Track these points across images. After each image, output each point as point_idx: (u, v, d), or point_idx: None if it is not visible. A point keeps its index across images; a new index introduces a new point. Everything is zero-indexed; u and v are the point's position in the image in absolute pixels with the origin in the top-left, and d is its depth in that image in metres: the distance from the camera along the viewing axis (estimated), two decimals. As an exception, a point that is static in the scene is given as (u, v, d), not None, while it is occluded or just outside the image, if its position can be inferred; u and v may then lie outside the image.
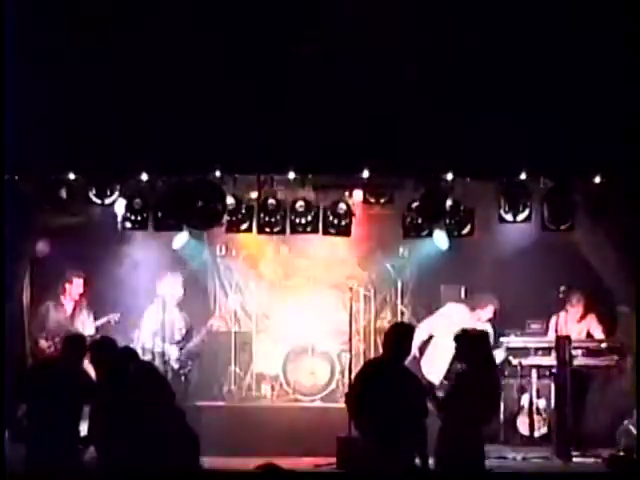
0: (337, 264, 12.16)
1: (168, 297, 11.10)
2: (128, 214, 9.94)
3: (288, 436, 10.06)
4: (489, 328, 10.73)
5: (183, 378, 10.96)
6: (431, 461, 7.22)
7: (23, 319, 10.55)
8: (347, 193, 10.36)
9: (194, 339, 11.24)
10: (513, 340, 10.79)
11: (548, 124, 9.15)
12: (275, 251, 12.25)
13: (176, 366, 10.91)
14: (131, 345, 10.06)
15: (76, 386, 7.73)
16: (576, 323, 10.76)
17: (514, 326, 11.04)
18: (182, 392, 10.49)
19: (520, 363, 10.67)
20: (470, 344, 7.42)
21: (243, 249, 12.18)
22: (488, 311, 10.86)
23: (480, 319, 10.80)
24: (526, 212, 9.83)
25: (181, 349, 11.07)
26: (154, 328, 11.00)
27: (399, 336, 7.41)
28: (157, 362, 10.53)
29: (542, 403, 10.69)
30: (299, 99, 9.21)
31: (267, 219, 10.01)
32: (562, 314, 10.75)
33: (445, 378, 10.43)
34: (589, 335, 10.76)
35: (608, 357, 10.55)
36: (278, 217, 10.00)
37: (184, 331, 11.22)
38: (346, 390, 10.31)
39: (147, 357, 10.41)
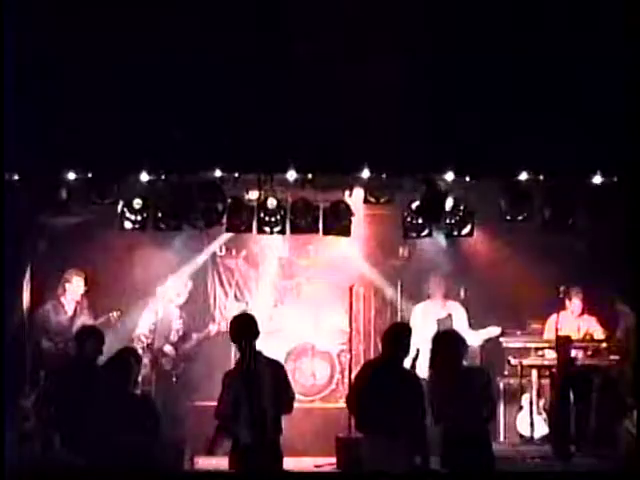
0: (337, 264, 12.16)
1: (170, 297, 11.09)
2: (128, 214, 9.94)
3: (288, 436, 10.04)
4: (459, 307, 10.84)
5: (174, 379, 10.92)
6: (433, 460, 7.24)
7: (23, 319, 10.55)
8: (347, 193, 10.36)
9: (190, 341, 11.21)
10: (513, 340, 10.80)
11: (548, 124, 9.15)
12: (275, 251, 12.25)
13: (168, 367, 10.86)
14: (130, 344, 10.12)
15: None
16: (576, 318, 10.75)
17: (514, 326, 11.04)
18: (173, 392, 10.53)
19: (520, 363, 10.67)
20: (438, 345, 7.44)
21: (243, 249, 12.18)
22: (440, 290, 10.96)
23: (444, 302, 10.95)
24: (526, 212, 9.83)
25: (176, 350, 11.04)
26: (152, 327, 10.99)
27: (397, 337, 7.42)
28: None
29: (542, 403, 10.69)
30: (299, 99, 9.21)
31: (267, 219, 10.00)
32: (562, 313, 10.75)
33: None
34: (589, 335, 10.76)
35: (608, 357, 10.54)
36: (278, 217, 9.99)
37: (181, 332, 11.20)
38: (346, 390, 10.36)
39: (146, 356, 10.40)
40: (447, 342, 7.46)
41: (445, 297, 11.07)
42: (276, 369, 7.40)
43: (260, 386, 7.17)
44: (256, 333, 7.42)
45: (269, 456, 7.18)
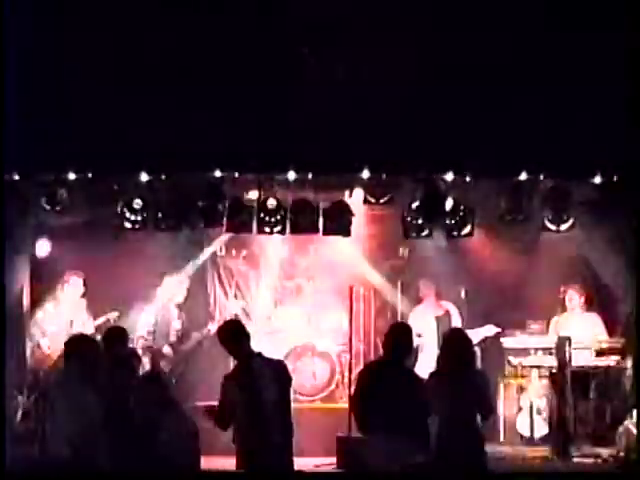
0: (337, 264, 12.16)
1: (169, 297, 11.08)
2: (128, 214, 9.94)
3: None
4: (453, 307, 10.90)
5: (174, 379, 10.89)
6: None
7: (23, 319, 10.55)
8: (347, 193, 10.36)
9: (189, 341, 11.19)
10: (513, 340, 10.80)
11: (548, 124, 9.15)
12: (275, 251, 12.24)
13: (167, 367, 10.84)
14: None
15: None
16: (579, 317, 10.76)
17: (514, 326, 11.04)
18: (173, 393, 10.51)
19: (520, 363, 10.68)
20: (450, 344, 7.44)
21: (243, 249, 12.18)
22: (431, 291, 11.11)
23: (438, 302, 11.09)
24: (526, 212, 9.83)
25: (175, 350, 11.02)
26: (152, 328, 10.98)
27: (398, 336, 7.41)
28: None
29: (542, 403, 10.69)
30: (299, 99, 9.21)
31: (267, 219, 10.00)
32: (563, 314, 10.76)
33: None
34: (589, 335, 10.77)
35: (608, 357, 10.54)
36: (278, 217, 9.99)
37: (180, 333, 11.19)
38: (346, 390, 10.37)
39: (145, 356, 10.38)
40: (458, 340, 7.45)
41: (437, 297, 11.14)
42: (277, 368, 7.37)
43: (261, 387, 7.14)
44: (246, 335, 7.38)
45: (275, 457, 7.15)
